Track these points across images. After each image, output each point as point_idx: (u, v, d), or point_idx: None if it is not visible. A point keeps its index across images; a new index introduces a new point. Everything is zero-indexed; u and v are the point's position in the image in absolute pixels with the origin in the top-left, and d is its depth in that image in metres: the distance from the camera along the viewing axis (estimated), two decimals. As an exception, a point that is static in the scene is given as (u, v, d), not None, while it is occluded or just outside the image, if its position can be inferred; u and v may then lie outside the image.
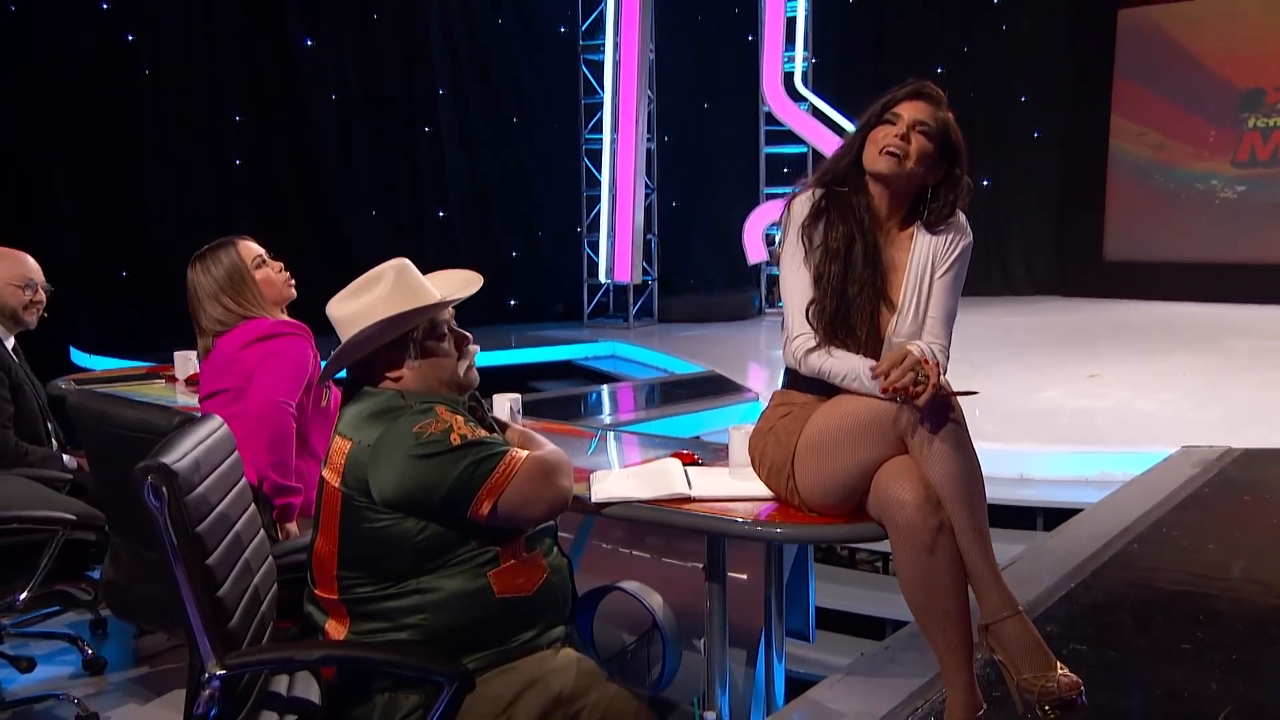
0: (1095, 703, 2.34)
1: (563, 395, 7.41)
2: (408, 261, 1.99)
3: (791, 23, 11.00)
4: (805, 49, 11.09)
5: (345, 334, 1.92)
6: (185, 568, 1.76)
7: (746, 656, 2.59)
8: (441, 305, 1.97)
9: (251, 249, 2.87)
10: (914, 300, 2.18)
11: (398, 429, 1.85)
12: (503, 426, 2.14)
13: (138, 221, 8.62)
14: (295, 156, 9.61)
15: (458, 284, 2.07)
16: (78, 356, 7.93)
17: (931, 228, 2.21)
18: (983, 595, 1.94)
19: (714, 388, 7.06)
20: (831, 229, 2.19)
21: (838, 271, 2.16)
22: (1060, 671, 1.88)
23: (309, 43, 9.70)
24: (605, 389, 7.77)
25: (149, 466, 1.73)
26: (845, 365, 2.10)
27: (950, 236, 2.20)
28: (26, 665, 3.09)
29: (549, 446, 2.04)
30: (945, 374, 2.15)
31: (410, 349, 1.94)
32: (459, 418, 1.89)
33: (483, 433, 1.91)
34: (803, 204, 2.23)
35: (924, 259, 2.19)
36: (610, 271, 10.74)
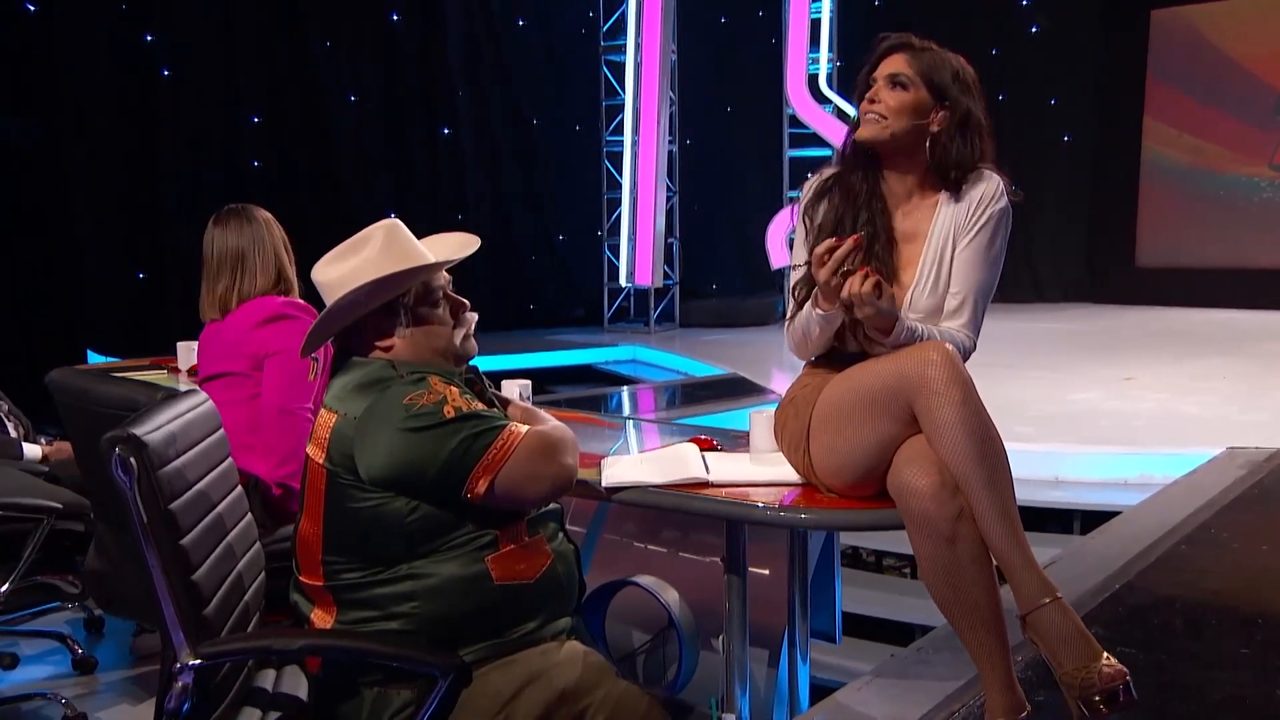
0: (1148, 707, 2.17)
1: (582, 396, 7.26)
2: (398, 222, 1.85)
3: (816, 24, 10.85)
4: (830, 51, 10.93)
5: (330, 299, 1.78)
6: (156, 547, 1.61)
7: (768, 657, 2.42)
8: (435, 267, 1.82)
9: None
10: (932, 273, 2.03)
11: (386, 400, 1.70)
12: (504, 402, 1.98)
13: (154, 223, 8.55)
14: (313, 159, 9.53)
15: (453, 246, 1.93)
16: (94, 359, 7.86)
17: (949, 189, 2.04)
18: (1016, 583, 1.77)
19: (736, 389, 6.94)
20: (830, 206, 2.09)
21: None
22: (1104, 661, 1.70)
23: (328, 44, 9.64)
24: (625, 390, 7.63)
25: (116, 436, 1.59)
26: (803, 314, 2.01)
27: (976, 202, 2.03)
28: (10, 662, 2.97)
29: (553, 422, 1.89)
30: (966, 360, 1.97)
31: (401, 316, 1.79)
32: (454, 389, 1.74)
33: (480, 406, 1.76)
34: (810, 187, 2.15)
35: (945, 228, 2.03)
36: (631, 275, 10.60)
